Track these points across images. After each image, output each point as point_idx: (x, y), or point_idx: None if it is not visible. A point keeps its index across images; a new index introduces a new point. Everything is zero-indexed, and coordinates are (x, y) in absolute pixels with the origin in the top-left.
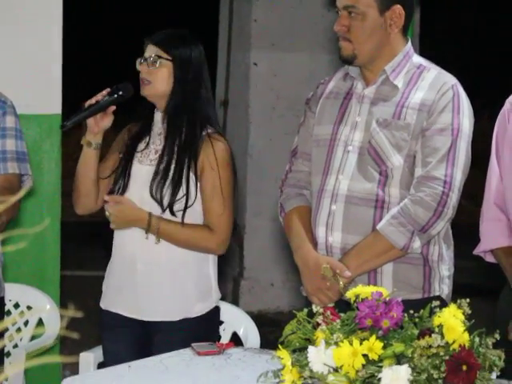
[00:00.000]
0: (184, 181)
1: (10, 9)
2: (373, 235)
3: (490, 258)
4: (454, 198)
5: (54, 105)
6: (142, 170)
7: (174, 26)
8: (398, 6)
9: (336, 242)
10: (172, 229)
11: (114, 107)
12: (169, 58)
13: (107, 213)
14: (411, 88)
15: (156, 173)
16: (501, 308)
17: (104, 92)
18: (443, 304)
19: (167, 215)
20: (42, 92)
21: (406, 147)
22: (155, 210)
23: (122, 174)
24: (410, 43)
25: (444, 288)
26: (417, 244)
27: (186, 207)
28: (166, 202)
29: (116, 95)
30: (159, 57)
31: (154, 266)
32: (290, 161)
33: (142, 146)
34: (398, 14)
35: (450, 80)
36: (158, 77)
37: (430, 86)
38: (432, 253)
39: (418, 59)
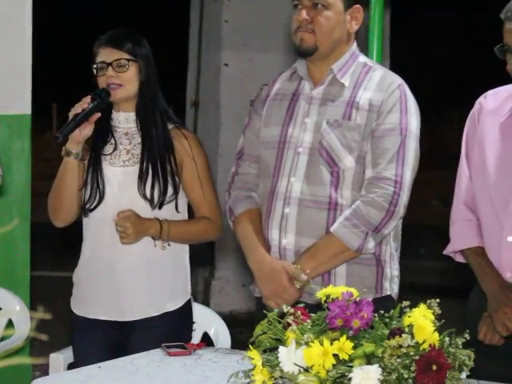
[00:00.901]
0: (169, 176)
1: None
2: (326, 237)
3: (459, 258)
4: (404, 197)
5: (23, 105)
6: (116, 171)
7: (144, 26)
8: (359, 5)
9: (290, 244)
10: (181, 228)
11: (98, 115)
12: (135, 59)
13: (119, 228)
14: (359, 87)
15: (142, 172)
16: (470, 308)
17: (87, 100)
18: (393, 303)
19: (157, 213)
20: (11, 92)
21: (357, 148)
22: (142, 209)
23: (96, 179)
24: (355, 44)
25: (394, 287)
26: (371, 244)
27: (176, 201)
28: (156, 199)
29: (98, 101)
30: (128, 60)
31: (135, 265)
32: (237, 163)
33: (109, 148)
34: (357, 12)
35: (396, 80)
36: (128, 79)
37: (377, 86)
38: (384, 253)
39: (363, 59)
